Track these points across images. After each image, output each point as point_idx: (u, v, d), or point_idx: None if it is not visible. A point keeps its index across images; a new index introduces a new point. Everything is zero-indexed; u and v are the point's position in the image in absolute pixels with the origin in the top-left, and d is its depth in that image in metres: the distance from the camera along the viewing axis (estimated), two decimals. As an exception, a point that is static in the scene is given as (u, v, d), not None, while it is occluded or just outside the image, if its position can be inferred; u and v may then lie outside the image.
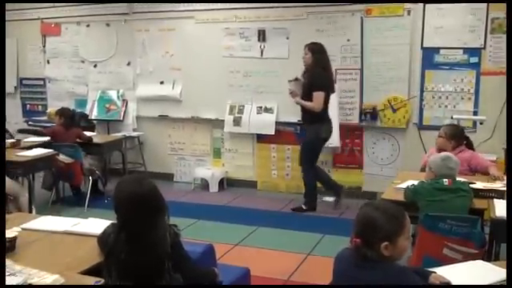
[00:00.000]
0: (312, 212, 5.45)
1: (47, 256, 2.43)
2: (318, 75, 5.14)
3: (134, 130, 6.96)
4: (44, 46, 7.43)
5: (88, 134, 6.17)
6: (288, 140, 6.26)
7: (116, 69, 7.03)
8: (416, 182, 3.36)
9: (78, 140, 5.73)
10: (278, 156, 6.34)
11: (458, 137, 4.12)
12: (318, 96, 5.12)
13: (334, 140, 5.81)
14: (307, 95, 5.19)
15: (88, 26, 7.11)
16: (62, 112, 5.88)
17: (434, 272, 2.12)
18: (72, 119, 5.95)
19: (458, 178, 3.29)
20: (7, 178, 4.37)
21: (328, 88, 5.20)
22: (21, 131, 5.73)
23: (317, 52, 5.17)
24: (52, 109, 7.27)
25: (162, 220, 2.16)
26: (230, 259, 4.00)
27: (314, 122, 5.25)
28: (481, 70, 5.34)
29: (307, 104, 5.21)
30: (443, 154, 3.44)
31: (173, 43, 6.62)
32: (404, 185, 3.46)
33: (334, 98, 5.76)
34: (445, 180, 3.16)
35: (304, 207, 5.49)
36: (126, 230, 2.12)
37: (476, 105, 5.39)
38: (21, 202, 4.54)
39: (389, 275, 1.80)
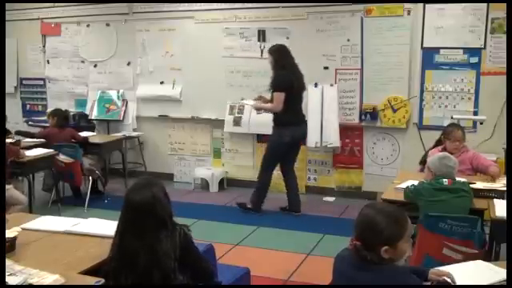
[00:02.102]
0: (257, 213, 5.38)
1: (47, 256, 2.42)
2: (275, 76, 5.10)
3: (134, 130, 6.96)
4: (44, 46, 7.44)
5: (86, 134, 6.18)
6: (288, 140, 6.25)
7: (116, 69, 7.03)
8: (416, 182, 3.36)
9: (72, 140, 5.71)
10: (278, 156, 6.34)
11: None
12: (276, 97, 5.06)
13: (334, 140, 5.82)
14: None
15: (88, 26, 7.11)
16: (55, 113, 5.88)
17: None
18: (66, 119, 5.94)
19: (458, 178, 3.30)
20: (11, 188, 4.38)
21: (288, 88, 5.05)
22: (17, 133, 5.74)
23: (273, 53, 5.15)
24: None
25: (157, 227, 2.15)
26: (230, 259, 4.00)
27: (278, 125, 5.20)
28: (481, 69, 5.33)
29: (265, 106, 5.27)
30: (441, 153, 3.47)
31: (173, 43, 6.62)
32: (404, 185, 3.46)
33: (334, 97, 5.79)
34: (445, 180, 3.16)
35: (248, 205, 5.45)
36: (122, 233, 2.16)
37: (476, 105, 5.39)
38: (17, 209, 4.53)
39: (387, 277, 1.79)
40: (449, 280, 2.06)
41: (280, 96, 5.04)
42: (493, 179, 3.70)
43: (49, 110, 7.15)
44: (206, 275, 2.31)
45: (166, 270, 2.11)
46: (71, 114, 6.79)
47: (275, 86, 5.09)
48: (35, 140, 5.73)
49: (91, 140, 6.02)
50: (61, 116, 5.84)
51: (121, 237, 2.16)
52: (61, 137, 5.64)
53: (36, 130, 6.95)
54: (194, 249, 2.25)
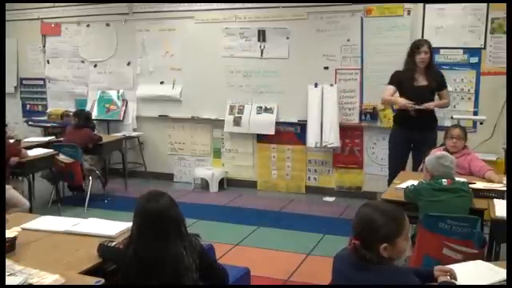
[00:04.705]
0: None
1: (47, 256, 2.43)
2: (441, 73, 4.83)
3: (134, 130, 6.96)
4: (44, 46, 7.44)
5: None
6: (288, 140, 6.25)
7: (116, 69, 7.03)
8: (416, 182, 3.36)
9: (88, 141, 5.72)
10: (277, 156, 6.34)
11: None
12: (448, 93, 4.88)
13: (334, 140, 5.81)
14: (430, 97, 4.69)
15: (88, 26, 7.11)
16: (76, 113, 5.99)
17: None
18: (86, 120, 5.93)
19: (457, 178, 3.30)
20: (10, 188, 4.38)
21: None
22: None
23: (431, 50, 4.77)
24: (53, 109, 7.29)
25: (176, 235, 2.16)
26: (230, 259, 4.00)
27: (436, 124, 4.82)
28: (481, 69, 5.34)
29: (442, 103, 4.78)
30: (438, 153, 3.45)
31: (173, 43, 6.62)
32: (404, 185, 3.46)
33: (334, 98, 5.79)
34: (444, 180, 3.16)
35: None
36: (135, 244, 2.16)
37: (476, 105, 5.39)
38: (17, 209, 4.53)
39: (387, 277, 1.79)
40: (452, 280, 2.06)
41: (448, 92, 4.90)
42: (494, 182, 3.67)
43: (49, 109, 7.18)
44: (223, 278, 2.34)
45: (189, 283, 2.13)
46: (70, 114, 6.79)
47: (445, 83, 4.82)
48: (39, 139, 5.74)
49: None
50: (81, 117, 5.87)
51: (136, 245, 2.15)
52: (75, 135, 5.65)
53: (36, 130, 6.99)
54: (209, 255, 2.28)
